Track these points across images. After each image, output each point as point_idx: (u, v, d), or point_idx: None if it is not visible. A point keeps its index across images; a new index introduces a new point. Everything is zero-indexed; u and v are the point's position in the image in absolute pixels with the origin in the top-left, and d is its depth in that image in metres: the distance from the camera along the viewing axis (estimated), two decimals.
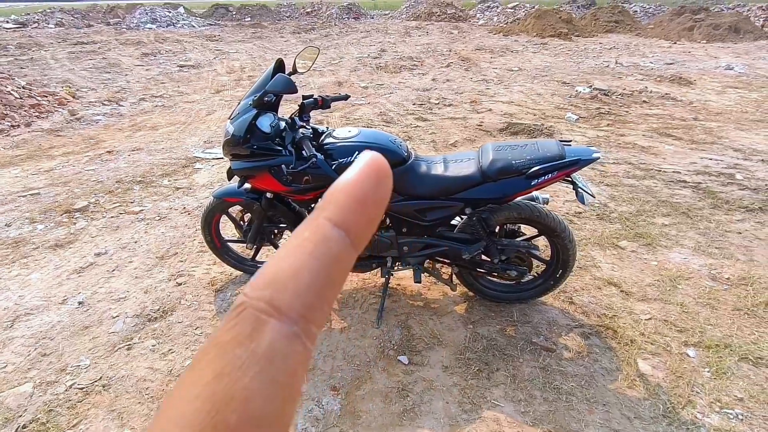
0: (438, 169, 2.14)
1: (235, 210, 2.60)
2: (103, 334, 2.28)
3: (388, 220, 2.29)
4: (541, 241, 2.41)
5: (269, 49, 14.21)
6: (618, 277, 2.75)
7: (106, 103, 7.36)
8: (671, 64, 10.29)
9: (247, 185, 2.29)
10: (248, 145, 2.08)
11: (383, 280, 2.46)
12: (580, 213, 3.58)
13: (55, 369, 2.06)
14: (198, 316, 2.41)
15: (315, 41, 16.14)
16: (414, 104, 7.11)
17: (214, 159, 4.82)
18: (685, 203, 3.71)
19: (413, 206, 2.15)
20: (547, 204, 2.34)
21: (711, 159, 4.68)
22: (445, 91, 7.99)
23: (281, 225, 2.57)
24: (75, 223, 3.41)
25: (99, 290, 2.62)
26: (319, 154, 2.07)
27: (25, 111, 6.23)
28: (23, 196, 3.88)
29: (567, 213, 3.57)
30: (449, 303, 2.54)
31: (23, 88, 6.84)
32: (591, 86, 7.84)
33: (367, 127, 5.87)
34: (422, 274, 2.40)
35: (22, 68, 10.36)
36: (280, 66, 2.15)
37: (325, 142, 2.15)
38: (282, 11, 27.33)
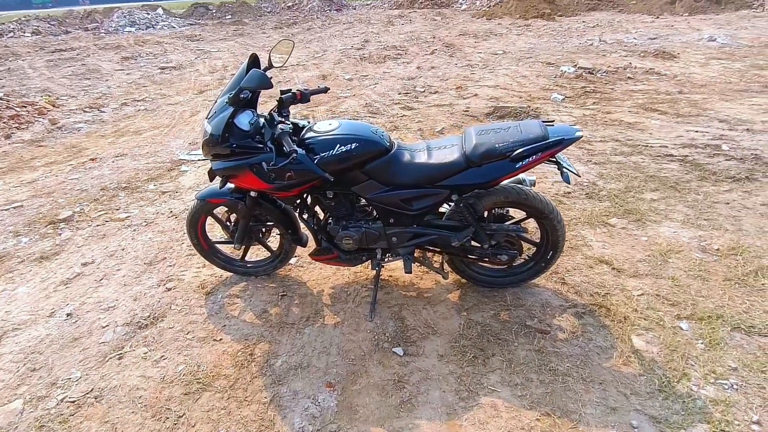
0: (421, 157, 2.11)
1: (220, 210, 2.56)
2: (93, 345, 2.25)
3: (374, 212, 2.27)
4: (531, 224, 2.39)
5: (251, 46, 14.03)
6: (609, 255, 2.75)
7: (87, 110, 7.24)
8: (654, 38, 10.28)
9: (230, 185, 2.26)
10: (227, 144, 2.04)
11: (375, 272, 2.44)
12: (569, 193, 3.57)
13: (46, 383, 2.03)
14: (189, 320, 2.38)
15: (297, 35, 15.96)
16: (399, 94, 7.05)
17: (199, 160, 4.76)
18: (673, 177, 3.71)
19: (398, 196, 2.12)
20: (534, 186, 2.33)
21: (697, 131, 4.68)
22: (430, 79, 7.93)
23: (269, 223, 2.54)
24: (60, 234, 3.36)
25: (87, 300, 2.58)
26: (300, 149, 2.04)
27: (3, 123, 6.12)
28: (5, 210, 3.81)
29: (556, 194, 3.56)
30: (442, 291, 2.52)
31: (0, 99, 6.70)
32: (576, 65, 7.81)
33: (353, 119, 5.82)
34: (413, 264, 2.38)
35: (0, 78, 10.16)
36: (254, 61, 2.11)
37: (306, 136, 2.11)
38: (263, 7, 26.94)
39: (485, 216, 2.31)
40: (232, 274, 2.72)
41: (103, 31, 20.28)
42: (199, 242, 2.57)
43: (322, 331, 2.26)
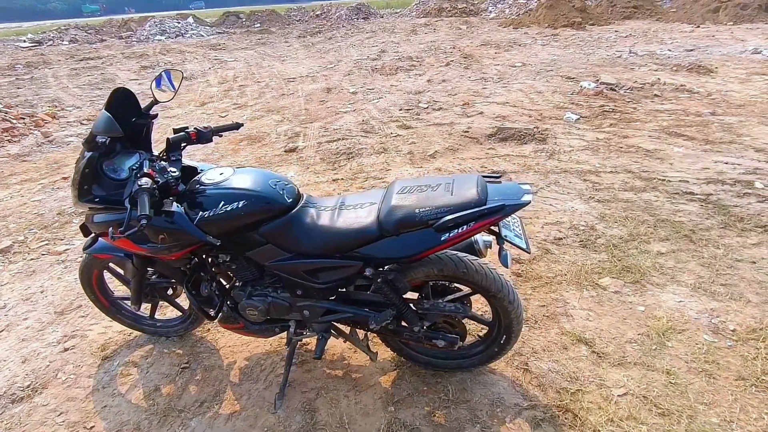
0: (329, 219, 1.67)
1: None
2: None
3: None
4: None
5: (269, 55, 13.95)
6: (592, 331, 2.21)
7: (84, 122, 7.17)
8: (691, 50, 9.44)
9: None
10: (87, 198, 1.67)
11: (288, 350, 2.00)
12: (561, 239, 3.04)
13: None
14: (69, 395, 2.02)
15: (317, 44, 15.81)
16: (401, 110, 6.61)
17: None
18: (690, 222, 3.11)
19: (300, 266, 1.69)
20: (489, 248, 1.84)
21: (727, 163, 4.03)
22: (438, 94, 7.45)
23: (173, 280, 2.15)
24: None
25: None
26: (177, 207, 1.65)
27: None
28: None
29: (545, 240, 3.03)
30: (375, 372, 2.06)
31: None
32: (597, 80, 7.16)
33: (344, 138, 5.43)
34: (336, 339, 1.94)
35: (18, 88, 10.37)
36: (123, 96, 1.74)
37: (190, 188, 1.71)
38: (292, 15, 27.15)
39: (424, 289, 1.84)
40: (140, 333, 2.35)
41: (134, 39, 20.79)
42: (96, 298, 2.22)
43: (210, 425, 1.84)
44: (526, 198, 1.50)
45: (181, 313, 2.31)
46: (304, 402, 1.92)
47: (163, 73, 1.84)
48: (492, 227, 1.57)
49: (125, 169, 1.72)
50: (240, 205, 1.60)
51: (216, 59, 13.56)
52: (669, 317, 2.27)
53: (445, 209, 1.50)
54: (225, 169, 1.76)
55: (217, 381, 2.06)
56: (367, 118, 6.29)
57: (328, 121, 6.33)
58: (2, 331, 2.46)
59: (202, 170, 1.85)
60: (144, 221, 1.41)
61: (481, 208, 1.47)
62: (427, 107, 6.67)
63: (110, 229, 1.49)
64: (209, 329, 2.39)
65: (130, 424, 1.87)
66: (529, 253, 1.62)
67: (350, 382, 2.02)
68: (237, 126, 2.00)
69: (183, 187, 1.75)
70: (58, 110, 7.88)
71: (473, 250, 1.78)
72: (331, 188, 4.14)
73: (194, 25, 23.79)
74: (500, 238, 1.57)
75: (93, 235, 1.81)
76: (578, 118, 5.65)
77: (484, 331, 1.99)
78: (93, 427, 1.86)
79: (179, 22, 23.53)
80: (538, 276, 2.67)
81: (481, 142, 5.12)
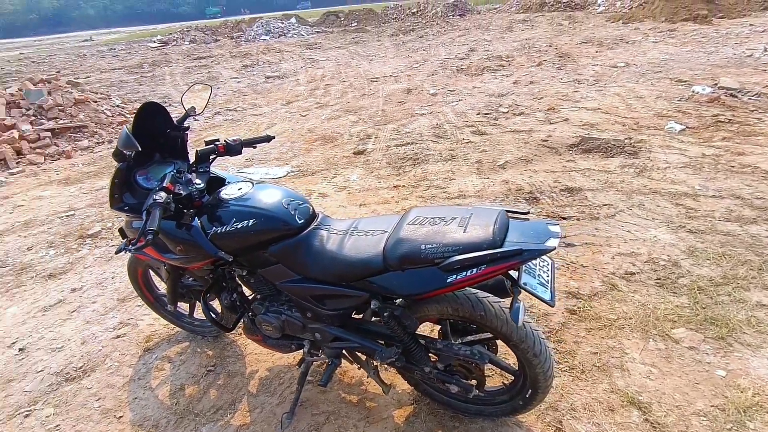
0: (337, 244, 1.58)
1: None
2: (17, 393, 2.17)
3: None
4: None
5: (359, 54, 14.24)
6: (650, 393, 1.87)
7: None
8: None
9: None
10: (118, 206, 1.76)
11: (301, 371, 1.96)
12: (633, 274, 2.64)
13: None
14: (109, 382, 2.18)
15: (408, 43, 15.79)
16: (479, 114, 6.31)
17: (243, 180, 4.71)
18: None
19: (307, 290, 1.63)
20: (520, 287, 1.62)
21: None
22: (522, 97, 7.00)
23: None
24: (79, 251, 3.49)
25: (46, 335, 2.55)
26: (195, 221, 1.68)
27: (112, 128, 6.90)
28: (60, 218, 4.14)
29: (613, 273, 2.66)
30: (390, 404, 1.94)
31: (117, 106, 7.60)
32: (715, 84, 6.21)
33: (414, 142, 5.31)
34: (336, 370, 1.86)
35: (140, 84, 11.75)
36: (152, 110, 1.80)
37: (210, 202, 1.73)
38: (389, 14, 27.48)
39: (443, 324, 1.68)
40: (181, 330, 2.48)
41: (243, 39, 22.53)
42: (142, 293, 2.37)
43: None
44: (551, 243, 1.27)
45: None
46: (312, 425, 1.87)
47: (191, 88, 1.88)
48: (511, 271, 1.37)
49: (158, 179, 1.79)
50: (249, 224, 1.58)
51: (309, 58, 14.17)
52: (757, 389, 1.84)
53: (453, 248, 1.33)
54: (244, 185, 1.75)
55: (237, 389, 2.09)
56: (442, 122, 6.10)
57: (401, 124, 6.25)
58: (73, 311, 2.75)
59: (229, 182, 1.87)
60: (150, 236, 1.43)
61: (495, 251, 1.28)
62: (507, 111, 6.29)
63: (123, 241, 1.55)
64: (240, 333, 2.44)
65: (151, 420, 1.96)
66: (553, 306, 1.38)
67: (363, 411, 1.92)
68: (268, 139, 2.00)
69: (208, 199, 1.78)
70: (167, 105, 8.76)
71: (502, 286, 1.58)
72: (390, 195, 4.06)
73: (296, 24, 25.12)
74: (516, 285, 1.35)
75: (128, 238, 1.92)
76: (683, 129, 4.93)
77: (511, 379, 1.77)
78: (121, 417, 1.99)
79: (283, 23, 25.01)
80: (597, 316, 2.34)
81: (561, 152, 4.68)
